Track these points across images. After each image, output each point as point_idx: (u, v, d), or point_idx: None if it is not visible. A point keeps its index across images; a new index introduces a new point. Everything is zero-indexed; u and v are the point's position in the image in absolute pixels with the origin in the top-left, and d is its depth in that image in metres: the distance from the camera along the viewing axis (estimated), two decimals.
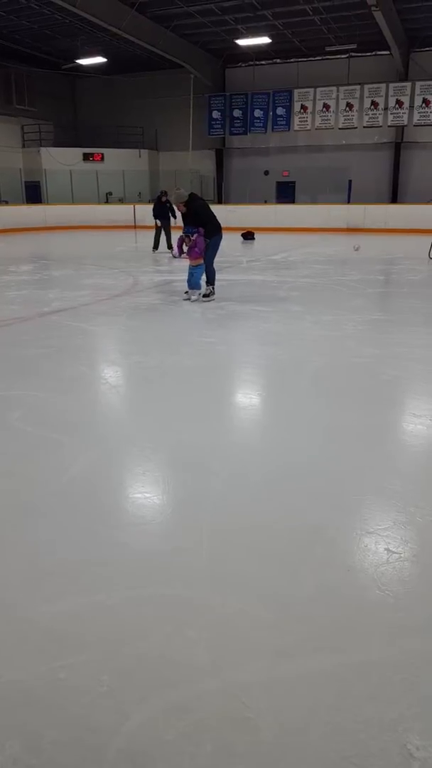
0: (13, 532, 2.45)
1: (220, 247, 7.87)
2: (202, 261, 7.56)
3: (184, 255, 7.60)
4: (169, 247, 14.01)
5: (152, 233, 14.38)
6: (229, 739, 1.51)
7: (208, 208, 7.73)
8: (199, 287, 7.73)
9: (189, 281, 7.70)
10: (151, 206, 14.76)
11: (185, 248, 7.49)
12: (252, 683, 1.67)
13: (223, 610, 1.98)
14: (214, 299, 7.65)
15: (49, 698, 1.64)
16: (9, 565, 2.23)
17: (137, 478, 2.97)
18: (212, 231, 7.56)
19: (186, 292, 7.76)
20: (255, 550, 2.31)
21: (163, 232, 14.16)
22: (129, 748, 1.49)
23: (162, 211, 14.07)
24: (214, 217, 7.65)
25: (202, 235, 7.40)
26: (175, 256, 7.90)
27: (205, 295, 7.68)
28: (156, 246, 14.32)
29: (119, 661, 1.76)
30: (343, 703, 1.61)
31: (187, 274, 7.77)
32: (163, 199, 14.06)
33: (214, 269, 7.80)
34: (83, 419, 3.74)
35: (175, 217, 13.93)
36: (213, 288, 7.78)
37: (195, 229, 7.37)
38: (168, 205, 13.99)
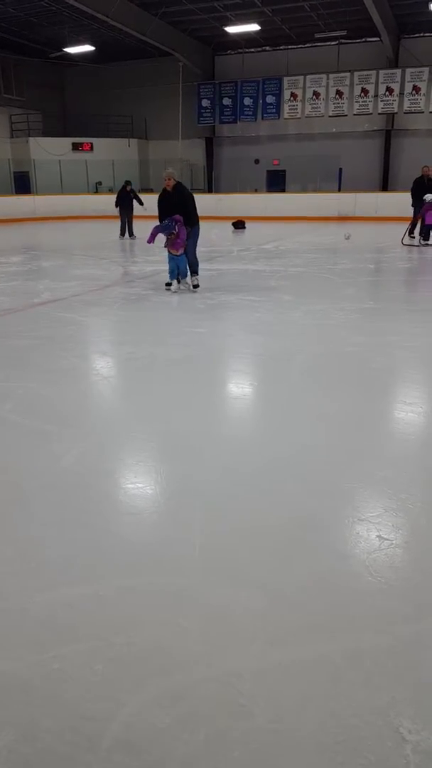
0: (5, 523, 2.45)
1: (199, 236, 7.86)
2: (183, 250, 7.53)
3: (166, 246, 7.59)
4: (131, 234, 14.51)
5: (140, 224, 14.47)
6: (223, 726, 1.52)
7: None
8: (185, 275, 7.73)
9: (174, 271, 7.66)
10: (140, 195, 14.83)
11: (166, 241, 7.47)
12: (245, 670, 1.68)
13: (216, 598, 1.99)
14: (199, 288, 7.64)
15: (43, 688, 1.64)
16: (1, 555, 2.23)
17: (129, 468, 2.97)
18: (195, 221, 7.60)
19: (168, 284, 7.74)
20: (247, 539, 2.31)
21: (126, 221, 14.78)
22: (124, 736, 1.49)
23: (126, 201, 14.64)
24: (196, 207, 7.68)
25: (182, 223, 7.35)
26: (149, 243, 7.77)
27: (194, 286, 7.68)
28: (123, 233, 14.86)
29: (113, 650, 1.76)
30: (336, 689, 1.62)
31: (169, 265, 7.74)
32: (128, 188, 14.69)
33: (197, 259, 7.81)
34: (75, 410, 3.73)
35: (141, 203, 14.20)
36: (197, 277, 7.77)
37: (172, 219, 7.31)
38: (132, 194, 14.42)
